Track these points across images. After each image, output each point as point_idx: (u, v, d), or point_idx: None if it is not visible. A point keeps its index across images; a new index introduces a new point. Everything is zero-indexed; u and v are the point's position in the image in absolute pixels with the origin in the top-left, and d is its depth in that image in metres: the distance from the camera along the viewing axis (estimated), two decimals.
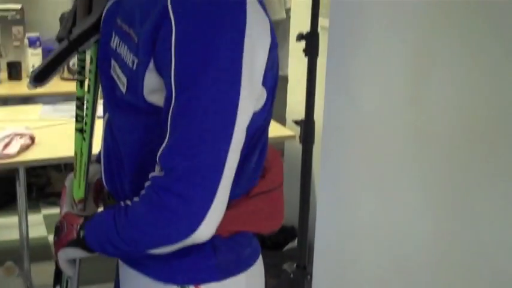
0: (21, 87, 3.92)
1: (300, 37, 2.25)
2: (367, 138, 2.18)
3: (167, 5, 1.07)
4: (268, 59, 1.13)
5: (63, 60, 1.36)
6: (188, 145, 1.07)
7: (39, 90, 3.98)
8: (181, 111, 1.08)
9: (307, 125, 2.29)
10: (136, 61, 1.14)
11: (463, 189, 1.78)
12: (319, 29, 2.48)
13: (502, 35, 1.64)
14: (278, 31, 4.67)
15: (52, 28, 4.14)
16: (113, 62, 1.23)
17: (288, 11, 4.46)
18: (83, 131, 1.39)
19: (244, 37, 1.07)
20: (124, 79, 1.18)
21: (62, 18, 4.03)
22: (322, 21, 2.58)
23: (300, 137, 2.38)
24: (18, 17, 4.10)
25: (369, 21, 2.26)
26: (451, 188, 1.82)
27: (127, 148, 1.24)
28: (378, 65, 2.21)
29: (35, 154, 2.82)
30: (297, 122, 2.33)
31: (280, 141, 3.43)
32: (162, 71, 1.10)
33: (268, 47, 1.13)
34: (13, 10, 4.09)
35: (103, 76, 1.28)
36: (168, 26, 1.07)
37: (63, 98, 3.75)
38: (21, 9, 4.10)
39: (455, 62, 1.82)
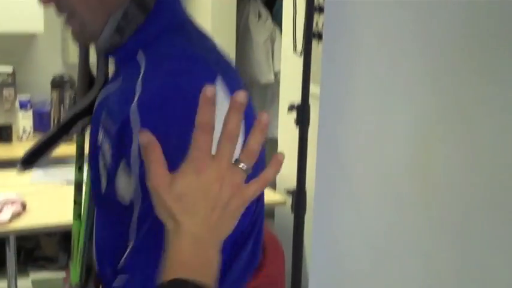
0: (12, 151, 3.94)
1: (291, 108, 2.29)
2: (359, 207, 2.20)
3: (134, 110, 1.07)
4: None
5: (54, 143, 1.37)
6: (151, 250, 1.06)
7: None
8: (144, 215, 1.07)
9: (299, 196, 2.31)
10: (109, 161, 1.14)
11: None
12: (310, 97, 2.53)
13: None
14: (267, 94, 4.74)
15: (43, 90, 4.18)
16: (99, 155, 1.22)
17: (276, 73, 4.53)
18: (81, 216, 1.39)
19: None
20: (104, 176, 1.17)
21: (54, 82, 4.08)
22: (313, 88, 2.62)
23: (291, 206, 2.40)
24: (9, 79, 4.14)
25: (361, 89, 2.31)
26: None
27: (106, 240, 1.25)
28: (370, 134, 2.25)
29: (27, 221, 2.83)
30: (288, 192, 2.35)
31: (271, 207, 3.44)
32: (131, 170, 1.09)
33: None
34: (4, 73, 4.13)
35: (91, 166, 1.27)
36: (132, 128, 1.07)
37: (53, 161, 3.76)
38: (13, 72, 4.13)
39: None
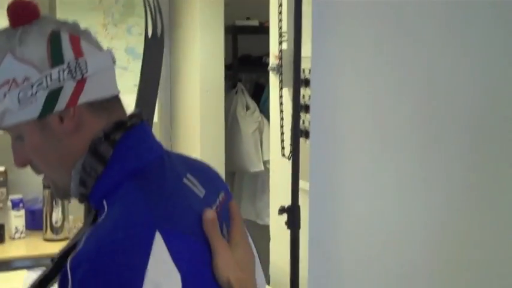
0: (4, 251, 3.93)
1: (282, 211, 2.33)
2: None
3: (67, 265, 1.08)
4: None
5: (52, 279, 1.38)
6: None
7: (22, 252, 3.98)
8: None
9: None
10: None
11: None
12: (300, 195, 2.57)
13: None
14: (257, 182, 4.79)
15: (35, 189, 4.21)
16: None
17: (265, 162, 4.59)
18: None
19: None
20: None
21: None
22: (303, 184, 2.66)
23: None
24: (1, 179, 4.17)
25: (350, 183, 2.35)
26: None
27: None
28: (360, 231, 2.29)
29: None
30: None
31: None
32: None
33: None
34: None
35: None
36: (66, 285, 1.08)
37: (47, 260, 3.75)
38: (4, 171, 4.17)
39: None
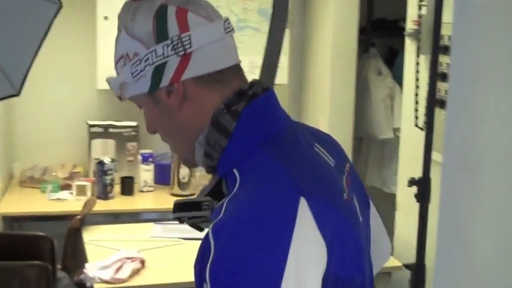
0: (133, 203, 4.06)
1: (412, 183, 2.24)
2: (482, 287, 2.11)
3: (209, 232, 1.08)
4: (324, 281, 1.08)
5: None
6: None
7: (150, 205, 4.09)
8: None
9: (418, 270, 2.25)
10: None
11: None
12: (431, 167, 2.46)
13: None
14: (385, 150, 4.68)
15: (164, 146, 4.29)
16: None
17: (395, 130, 4.47)
18: None
19: (285, 266, 1.03)
20: None
21: None
22: (435, 156, 2.55)
23: (409, 281, 2.34)
24: (133, 133, 4.29)
25: (488, 157, 2.22)
26: None
27: None
28: (496, 212, 2.16)
29: (146, 279, 2.88)
30: (407, 266, 2.29)
31: (387, 270, 3.37)
32: None
33: (321, 272, 1.08)
34: (129, 127, 4.28)
35: None
36: (208, 251, 1.07)
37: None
38: (137, 126, 4.28)
39: None
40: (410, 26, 2.95)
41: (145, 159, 4.15)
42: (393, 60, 4.68)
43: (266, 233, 1.06)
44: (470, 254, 2.20)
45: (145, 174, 4.16)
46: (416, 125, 2.43)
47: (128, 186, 4.12)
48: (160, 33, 1.17)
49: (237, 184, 1.14)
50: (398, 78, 4.48)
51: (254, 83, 1.23)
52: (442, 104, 2.65)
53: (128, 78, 1.21)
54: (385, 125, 4.51)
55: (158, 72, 1.18)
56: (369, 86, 4.54)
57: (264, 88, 1.22)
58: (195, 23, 1.18)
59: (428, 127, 2.19)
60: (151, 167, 4.18)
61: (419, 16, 2.71)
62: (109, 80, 1.26)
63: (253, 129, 1.19)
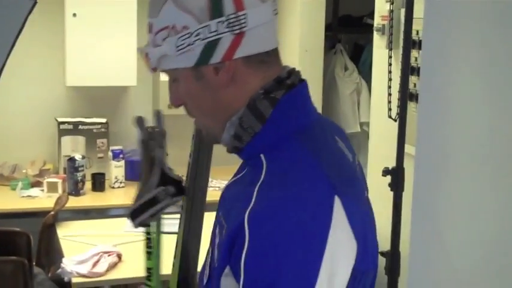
0: (104, 199, 4.08)
1: (386, 172, 2.31)
2: (456, 276, 2.19)
3: (243, 220, 1.09)
4: (350, 278, 1.12)
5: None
6: None
7: (121, 201, 4.09)
8: None
9: (393, 259, 2.32)
10: (219, 259, 1.17)
11: None
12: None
13: None
14: (353, 144, 4.75)
15: (135, 141, 4.31)
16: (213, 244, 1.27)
17: (362, 124, 4.56)
18: None
19: (321, 262, 1.06)
20: (208, 270, 1.23)
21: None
22: (407, 148, 2.61)
23: (385, 268, 2.41)
24: (103, 130, 4.30)
25: (458, 149, 2.30)
26: None
27: None
28: (467, 201, 2.24)
29: (123, 273, 2.91)
30: (382, 254, 2.36)
31: None
32: (237, 280, 1.11)
33: (350, 268, 1.10)
34: (99, 124, 4.29)
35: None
36: (242, 239, 1.08)
37: None
38: (106, 122, 4.29)
39: None
40: (378, 21, 3.02)
41: (116, 156, 4.17)
42: (359, 56, 4.77)
43: (304, 229, 1.07)
44: (442, 242, 2.29)
45: (116, 170, 4.18)
46: (390, 117, 2.50)
47: (99, 183, 4.13)
48: (215, 10, 1.15)
49: (264, 170, 1.15)
50: (364, 74, 4.58)
51: (291, 72, 1.24)
52: (412, 97, 2.73)
53: (170, 50, 1.18)
54: (352, 120, 4.60)
55: (210, 48, 1.16)
56: (336, 81, 4.63)
57: (300, 79, 1.24)
58: (249, 2, 1.17)
59: (401, 119, 2.26)
60: (122, 163, 4.19)
61: (392, 11, 2.78)
62: (145, 50, 1.24)
63: (289, 118, 1.20)
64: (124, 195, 4.13)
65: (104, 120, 4.30)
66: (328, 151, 1.20)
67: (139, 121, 1.46)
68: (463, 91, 2.24)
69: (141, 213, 1.38)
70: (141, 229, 3.45)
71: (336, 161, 1.20)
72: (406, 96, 2.28)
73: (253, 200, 1.10)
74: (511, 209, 2.23)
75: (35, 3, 2.37)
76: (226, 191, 1.27)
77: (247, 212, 1.09)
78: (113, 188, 4.18)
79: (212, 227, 1.26)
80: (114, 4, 4.11)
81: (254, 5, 1.17)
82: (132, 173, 4.24)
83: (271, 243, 1.06)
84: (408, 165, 2.47)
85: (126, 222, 3.50)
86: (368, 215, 1.22)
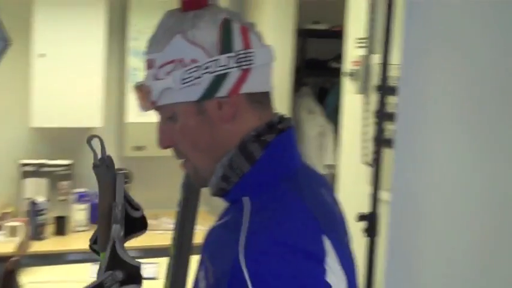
0: (66, 243, 3.99)
1: (361, 218, 2.31)
2: None
3: (238, 262, 1.08)
4: None
5: None
6: None
7: (82, 246, 4.01)
8: None
9: None
10: None
11: None
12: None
13: None
14: None
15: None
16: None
17: (327, 166, 4.57)
18: None
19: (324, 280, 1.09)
20: None
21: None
22: (382, 194, 2.60)
23: None
24: (67, 172, 4.22)
25: (434, 195, 2.30)
26: None
27: None
28: (441, 244, 2.25)
29: None
30: None
31: None
32: None
33: None
34: (62, 166, 4.22)
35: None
36: (241, 282, 1.07)
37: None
38: (70, 164, 4.22)
39: None
40: (349, 66, 3.05)
41: (80, 198, 4.09)
42: (324, 99, 4.80)
43: (301, 270, 1.08)
44: (416, 284, 2.28)
45: (79, 213, 4.10)
46: (367, 162, 2.51)
47: (60, 226, 4.04)
48: (226, 45, 1.18)
49: (249, 213, 1.15)
50: (329, 117, 4.61)
51: (282, 117, 1.27)
52: (385, 142, 2.74)
53: (175, 83, 1.19)
54: (317, 162, 4.60)
55: (218, 81, 1.18)
56: (301, 124, 4.64)
57: (289, 125, 1.26)
58: (255, 42, 1.21)
59: (376, 165, 2.26)
60: (85, 206, 4.12)
61: (367, 56, 2.81)
62: (146, 83, 1.23)
63: (278, 161, 1.21)
64: (87, 239, 4.02)
65: (68, 162, 4.22)
66: (313, 195, 1.22)
67: (90, 141, 1.35)
68: (439, 138, 2.26)
69: None
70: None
71: (320, 205, 1.22)
72: (381, 142, 2.28)
73: (244, 241, 1.10)
74: (485, 253, 2.24)
75: (9, 44, 2.34)
76: (211, 235, 1.26)
77: (241, 254, 1.08)
78: (75, 231, 4.09)
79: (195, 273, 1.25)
80: (81, 45, 4.08)
81: (259, 46, 1.22)
82: (96, 217, 4.14)
83: (274, 278, 1.07)
84: (382, 211, 2.48)
85: (90, 268, 3.43)
86: (351, 257, 1.24)
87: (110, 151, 4.58)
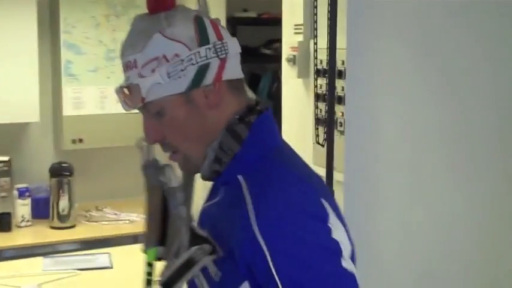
0: (12, 239, 3.98)
1: None
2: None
3: (252, 235, 1.21)
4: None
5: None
6: None
7: (29, 240, 4.01)
8: None
9: None
10: (220, 274, 1.28)
11: None
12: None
13: None
14: None
15: (40, 178, 4.25)
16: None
17: None
18: None
19: (330, 238, 1.23)
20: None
21: (52, 169, 4.13)
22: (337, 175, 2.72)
23: None
24: (5, 168, 4.19)
25: (385, 175, 2.44)
26: None
27: None
28: (396, 219, 2.40)
29: None
30: None
31: None
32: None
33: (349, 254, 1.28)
34: (0, 162, 4.18)
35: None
36: (258, 254, 1.20)
37: (52, 248, 3.85)
38: (9, 160, 4.19)
39: None
40: (289, 52, 3.17)
41: (22, 194, 4.08)
42: (255, 85, 4.92)
43: (312, 230, 1.23)
44: (374, 262, 2.43)
45: (22, 209, 4.09)
46: (318, 142, 2.63)
47: (5, 223, 4.03)
48: (203, 38, 1.30)
49: (246, 187, 1.27)
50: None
51: (258, 100, 1.39)
52: (323, 122, 2.85)
53: (161, 79, 1.29)
54: None
55: (202, 71, 1.29)
56: None
57: (266, 107, 1.38)
58: (226, 35, 1.34)
59: (329, 147, 2.40)
60: (27, 201, 4.11)
61: (317, 44, 2.92)
62: (134, 82, 1.30)
63: (263, 139, 1.34)
64: (32, 233, 4.05)
65: (6, 158, 4.19)
66: (301, 166, 1.37)
67: (139, 145, 1.42)
68: (388, 119, 2.41)
69: (178, 279, 1.30)
70: (62, 267, 3.42)
71: (310, 173, 1.36)
72: (333, 125, 2.42)
73: (253, 212, 1.23)
74: (439, 228, 2.40)
75: None
76: (205, 215, 1.38)
77: (253, 223, 1.21)
78: (20, 227, 4.09)
79: None
80: (13, 40, 4.05)
81: (229, 38, 1.35)
82: (38, 211, 4.16)
83: (292, 245, 1.20)
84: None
85: (42, 261, 3.45)
86: (342, 217, 1.35)
87: (48, 145, 4.65)
